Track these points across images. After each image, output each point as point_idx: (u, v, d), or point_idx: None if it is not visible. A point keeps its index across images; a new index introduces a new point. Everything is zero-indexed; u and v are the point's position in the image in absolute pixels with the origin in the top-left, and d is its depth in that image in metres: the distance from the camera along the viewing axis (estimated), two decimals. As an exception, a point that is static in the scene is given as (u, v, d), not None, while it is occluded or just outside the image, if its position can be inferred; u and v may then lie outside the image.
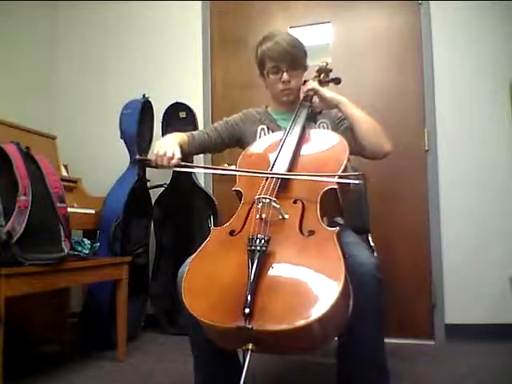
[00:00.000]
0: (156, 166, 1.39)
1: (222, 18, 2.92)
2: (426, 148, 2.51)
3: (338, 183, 1.23)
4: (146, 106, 2.61)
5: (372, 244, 1.90)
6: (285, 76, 1.57)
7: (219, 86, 2.89)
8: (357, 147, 1.51)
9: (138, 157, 1.54)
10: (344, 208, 1.31)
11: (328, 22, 2.73)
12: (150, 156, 1.49)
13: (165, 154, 1.36)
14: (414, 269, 2.47)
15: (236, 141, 1.69)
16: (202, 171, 1.45)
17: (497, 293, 2.35)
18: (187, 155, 1.66)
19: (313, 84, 1.60)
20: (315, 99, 1.59)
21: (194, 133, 1.66)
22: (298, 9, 2.76)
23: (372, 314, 1.20)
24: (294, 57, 1.57)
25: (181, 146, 1.47)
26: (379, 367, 1.24)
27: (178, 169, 1.39)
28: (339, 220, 1.50)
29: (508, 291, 2.31)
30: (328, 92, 1.56)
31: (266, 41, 1.60)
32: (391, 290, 2.26)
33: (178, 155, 1.37)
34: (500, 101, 2.42)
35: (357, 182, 1.21)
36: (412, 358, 2.11)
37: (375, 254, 1.84)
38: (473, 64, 2.48)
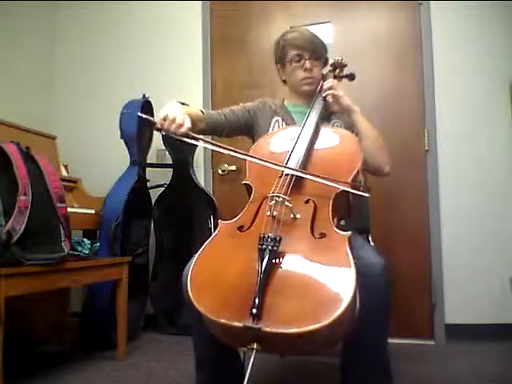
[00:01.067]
0: (159, 130, 1.27)
1: (222, 17, 2.91)
2: (426, 148, 2.51)
3: (351, 185, 1.22)
4: (145, 106, 2.60)
5: (372, 244, 1.90)
6: (307, 64, 1.58)
7: (219, 86, 2.89)
8: None
9: (139, 113, 1.37)
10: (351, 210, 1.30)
11: (328, 22, 2.72)
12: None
13: (174, 120, 1.24)
14: (414, 269, 2.47)
15: (248, 128, 1.66)
16: (211, 147, 1.32)
17: (497, 293, 2.35)
18: (198, 133, 1.52)
19: (333, 85, 1.57)
20: (330, 99, 1.56)
21: (210, 111, 1.62)
22: (298, 9, 2.76)
23: (378, 316, 1.19)
24: (316, 46, 1.60)
25: (193, 121, 1.38)
26: (383, 369, 1.24)
27: (185, 139, 1.25)
28: (342, 222, 1.49)
29: (508, 291, 2.31)
30: (346, 99, 1.54)
31: (289, 32, 1.64)
32: (391, 289, 2.26)
33: (188, 124, 1.26)
34: (500, 101, 2.42)
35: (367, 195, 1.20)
36: (412, 358, 2.11)
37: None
38: (473, 64, 2.48)
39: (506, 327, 2.29)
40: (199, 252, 1.12)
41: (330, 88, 1.54)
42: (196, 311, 0.97)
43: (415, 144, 2.53)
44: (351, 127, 1.61)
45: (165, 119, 1.26)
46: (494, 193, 2.41)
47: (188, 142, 1.27)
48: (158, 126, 1.26)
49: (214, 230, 1.22)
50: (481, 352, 2.12)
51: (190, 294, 1.00)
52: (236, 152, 1.26)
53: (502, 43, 2.44)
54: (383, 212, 2.44)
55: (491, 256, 2.38)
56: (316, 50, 1.60)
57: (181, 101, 2.77)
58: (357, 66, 2.61)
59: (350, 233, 1.07)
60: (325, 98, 1.55)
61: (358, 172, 1.26)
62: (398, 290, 2.37)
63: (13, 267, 1.55)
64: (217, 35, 2.92)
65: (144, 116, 1.37)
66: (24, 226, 1.60)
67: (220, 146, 1.27)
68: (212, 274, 1.05)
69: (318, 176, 1.20)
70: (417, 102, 2.55)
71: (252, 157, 1.30)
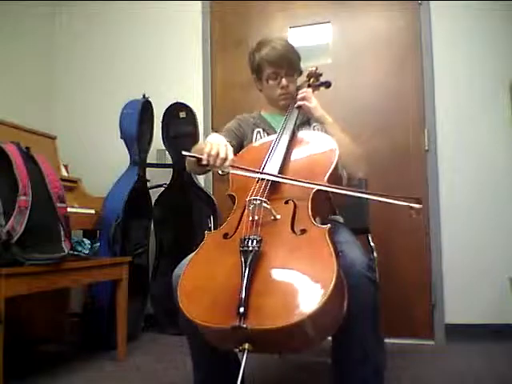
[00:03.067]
0: (207, 166, 1.27)
1: (222, 18, 2.92)
2: (426, 148, 2.51)
3: (328, 181, 1.24)
4: (145, 106, 2.60)
5: (372, 244, 1.91)
6: (283, 82, 1.59)
7: (219, 86, 2.89)
8: None
9: (184, 152, 1.35)
10: (339, 205, 1.31)
11: (328, 22, 2.72)
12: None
13: (217, 155, 1.24)
14: (413, 269, 2.47)
15: (239, 148, 1.65)
16: (255, 175, 1.30)
17: (497, 293, 2.35)
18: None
19: (309, 95, 1.58)
20: (305, 107, 1.57)
21: None
22: (298, 9, 2.76)
23: (365, 314, 1.19)
24: (291, 62, 1.60)
25: None
26: (372, 367, 1.23)
27: (232, 171, 1.29)
28: (338, 219, 1.50)
29: (508, 291, 2.31)
30: (319, 109, 1.56)
31: (262, 47, 1.62)
32: (391, 290, 2.26)
33: (231, 156, 1.27)
34: (500, 101, 2.42)
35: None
36: (412, 358, 2.11)
37: (375, 254, 1.84)
38: (473, 64, 2.48)
39: (506, 327, 2.29)
40: (187, 262, 1.15)
41: (304, 98, 1.56)
42: (187, 319, 1.00)
43: (415, 144, 2.53)
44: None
45: (209, 155, 1.24)
46: (493, 193, 2.41)
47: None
48: (205, 162, 1.25)
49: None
50: (481, 352, 2.12)
51: (180, 304, 1.03)
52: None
53: (502, 43, 2.44)
54: (383, 212, 2.44)
55: (491, 256, 2.38)
56: (291, 66, 1.61)
57: (180, 101, 2.79)
58: (357, 65, 2.66)
59: (328, 226, 1.09)
60: (299, 107, 1.56)
61: (335, 169, 1.28)
62: (398, 290, 2.38)
63: (13, 267, 1.55)
64: (217, 35, 2.92)
65: (188, 154, 1.34)
66: (24, 226, 1.60)
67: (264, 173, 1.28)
68: (200, 282, 1.08)
69: (289, 179, 1.23)
70: (417, 102, 2.54)
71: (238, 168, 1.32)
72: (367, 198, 1.22)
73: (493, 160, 2.42)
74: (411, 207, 1.14)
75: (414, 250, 2.49)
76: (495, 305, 2.35)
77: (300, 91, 1.60)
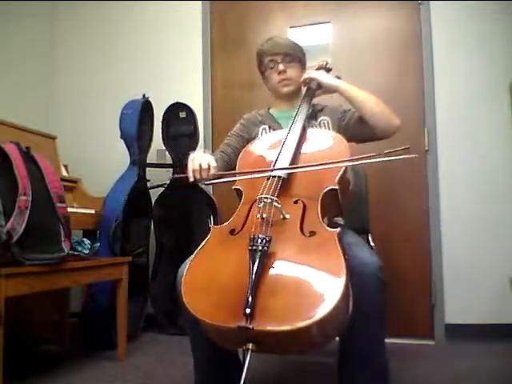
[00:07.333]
0: (194, 182, 1.32)
1: (222, 18, 2.92)
2: (426, 148, 2.51)
3: (338, 183, 1.23)
4: (146, 106, 2.60)
5: (372, 244, 1.90)
6: (280, 66, 1.63)
7: (219, 86, 2.89)
8: (366, 130, 1.54)
9: (172, 176, 1.45)
10: (344, 208, 1.31)
11: (328, 22, 2.73)
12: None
13: (200, 167, 1.30)
14: (414, 269, 2.47)
15: None
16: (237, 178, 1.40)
17: (497, 293, 2.35)
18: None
19: (311, 72, 1.63)
20: (313, 86, 1.61)
21: (216, 157, 1.59)
22: (298, 9, 2.76)
23: (374, 315, 1.20)
24: (287, 48, 1.66)
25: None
26: (379, 368, 1.24)
27: (216, 181, 1.34)
28: (340, 220, 1.50)
29: (508, 291, 2.31)
30: (326, 77, 1.60)
31: (265, 43, 1.71)
32: (391, 290, 2.25)
33: (213, 164, 1.33)
34: (500, 101, 2.42)
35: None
36: (412, 358, 2.11)
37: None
38: (473, 64, 2.48)
39: (505, 327, 2.29)
40: (192, 257, 1.14)
41: (308, 77, 1.60)
42: (191, 315, 0.99)
43: (415, 144, 2.52)
44: (341, 117, 1.64)
45: (193, 171, 1.31)
46: (493, 193, 2.41)
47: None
48: (192, 179, 1.32)
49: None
50: (481, 352, 2.12)
51: (184, 299, 1.02)
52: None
53: (501, 43, 2.44)
54: (383, 212, 2.44)
55: (491, 256, 2.38)
56: (288, 53, 1.65)
57: (180, 101, 2.79)
58: (357, 65, 2.65)
59: (338, 229, 1.09)
60: (309, 87, 1.60)
61: (345, 171, 1.28)
62: (398, 290, 2.37)
63: (13, 267, 1.55)
64: (217, 35, 2.92)
65: (177, 176, 1.58)
66: (24, 226, 1.60)
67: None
68: (205, 279, 1.07)
69: (306, 166, 1.24)
70: (417, 102, 2.55)
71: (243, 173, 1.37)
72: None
73: (493, 160, 2.42)
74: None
75: (414, 249, 2.49)
76: (495, 305, 2.35)
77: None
